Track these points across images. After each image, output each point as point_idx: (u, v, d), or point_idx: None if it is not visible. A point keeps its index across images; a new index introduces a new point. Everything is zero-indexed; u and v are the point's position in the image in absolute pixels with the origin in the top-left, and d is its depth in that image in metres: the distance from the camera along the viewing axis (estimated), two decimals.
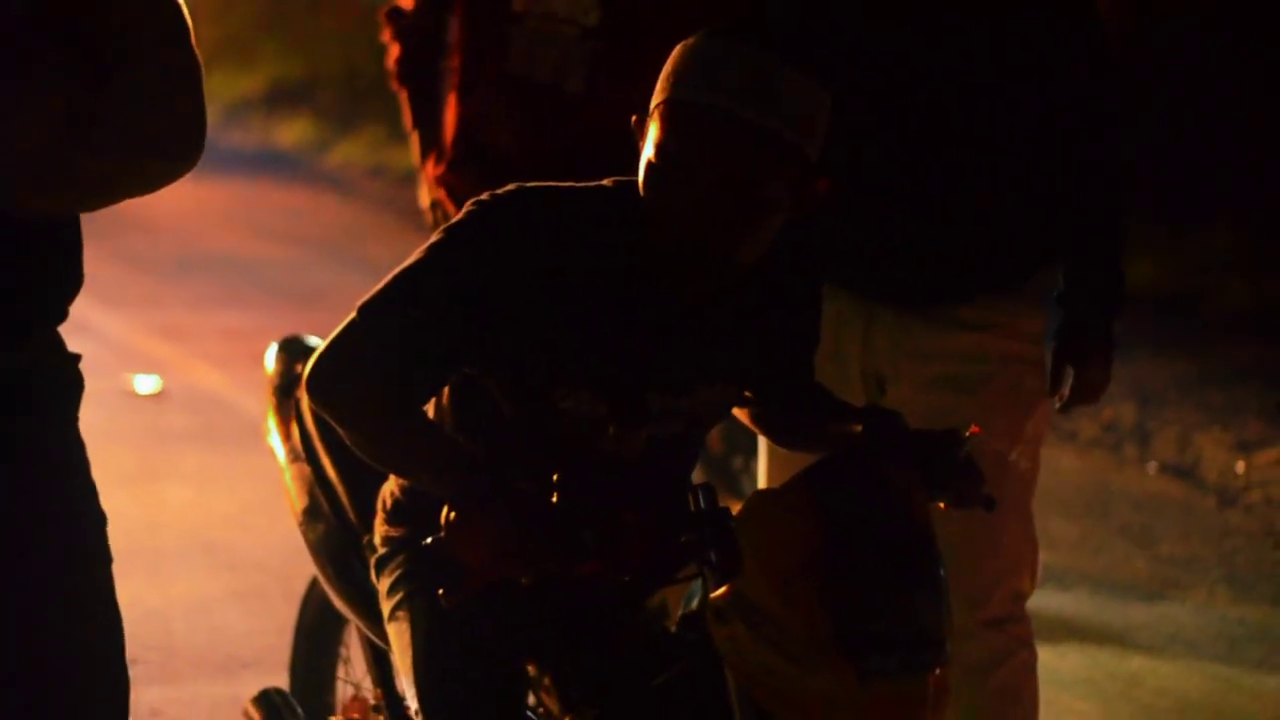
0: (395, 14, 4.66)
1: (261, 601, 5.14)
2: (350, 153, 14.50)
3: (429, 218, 4.66)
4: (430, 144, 4.55)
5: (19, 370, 2.39)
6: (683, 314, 2.56)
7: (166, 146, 2.35)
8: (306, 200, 12.99)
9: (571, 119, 4.25)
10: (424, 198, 4.70)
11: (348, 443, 2.58)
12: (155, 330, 8.52)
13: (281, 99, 16.50)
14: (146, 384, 7.40)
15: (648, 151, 2.46)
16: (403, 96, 4.66)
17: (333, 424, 2.58)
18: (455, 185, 4.38)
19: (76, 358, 2.49)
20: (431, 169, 4.52)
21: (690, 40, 2.48)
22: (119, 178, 2.35)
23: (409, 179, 12.43)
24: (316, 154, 14.81)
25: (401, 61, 4.63)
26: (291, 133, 15.63)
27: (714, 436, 5.74)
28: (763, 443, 3.54)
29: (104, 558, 2.51)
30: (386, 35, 4.69)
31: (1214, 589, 5.71)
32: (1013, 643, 3.45)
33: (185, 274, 10.04)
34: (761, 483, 3.56)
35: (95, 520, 2.50)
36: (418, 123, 4.61)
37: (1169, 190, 9.28)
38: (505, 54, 4.30)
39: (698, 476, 2.76)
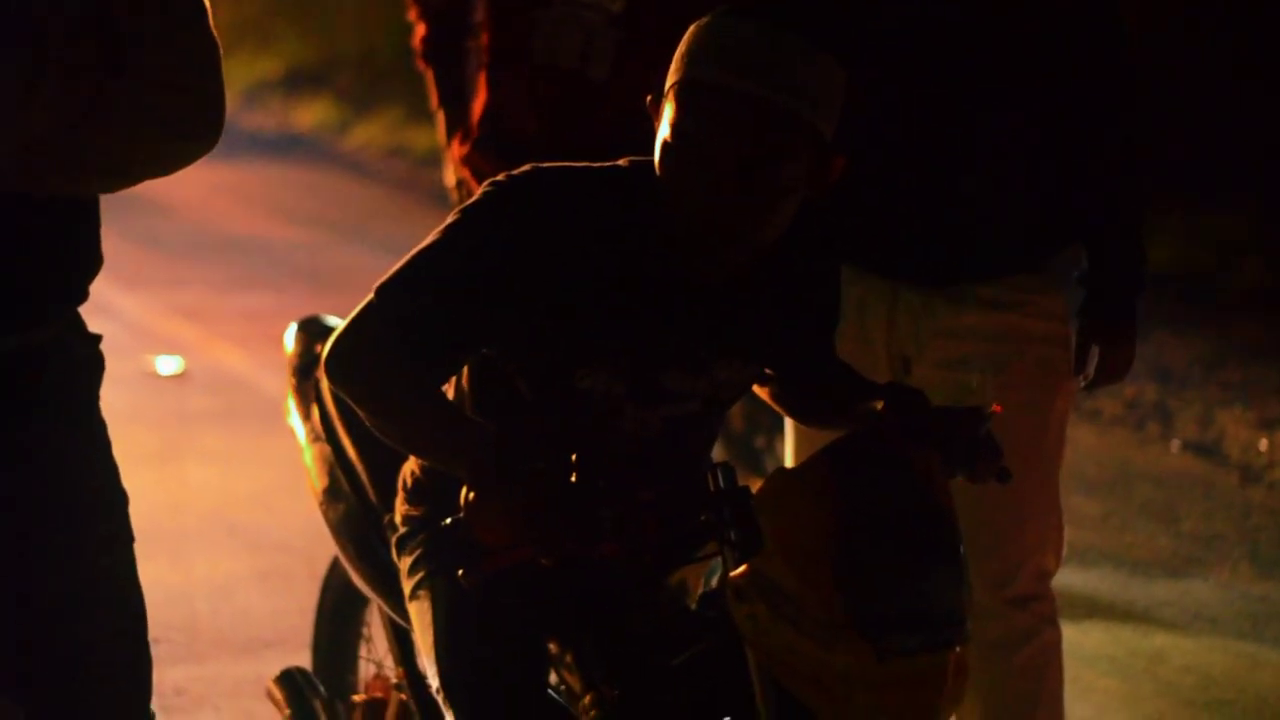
0: None
1: (284, 581, 5.15)
2: (369, 134, 14.50)
3: (454, 196, 4.67)
4: (456, 124, 4.55)
5: (40, 350, 2.40)
6: (700, 293, 2.56)
7: (185, 127, 2.35)
8: (326, 182, 12.99)
9: (596, 105, 4.25)
10: (449, 177, 4.70)
11: (366, 423, 2.58)
12: (176, 311, 8.54)
13: (300, 81, 16.51)
14: (168, 365, 7.42)
15: (663, 131, 2.46)
16: (429, 76, 4.66)
17: (351, 404, 2.58)
18: (480, 165, 4.39)
19: (97, 338, 2.50)
20: (457, 148, 4.52)
21: (704, 19, 2.47)
22: (138, 159, 2.35)
23: (428, 160, 12.44)
24: (336, 136, 14.81)
25: (427, 40, 4.63)
26: (311, 115, 15.63)
27: (735, 415, 5.74)
28: (789, 421, 3.54)
29: (126, 537, 2.52)
30: (413, 14, 4.69)
31: (1237, 566, 5.70)
32: (1037, 621, 3.44)
33: (206, 255, 10.06)
34: (789, 461, 3.56)
35: (117, 499, 2.51)
36: (443, 102, 4.61)
37: (1186, 169, 9.25)
38: (530, 38, 4.30)
39: (719, 455, 2.76)
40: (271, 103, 16.24)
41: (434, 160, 12.09)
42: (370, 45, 15.99)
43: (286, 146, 14.48)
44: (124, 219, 9.29)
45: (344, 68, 16.26)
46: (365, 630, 3.51)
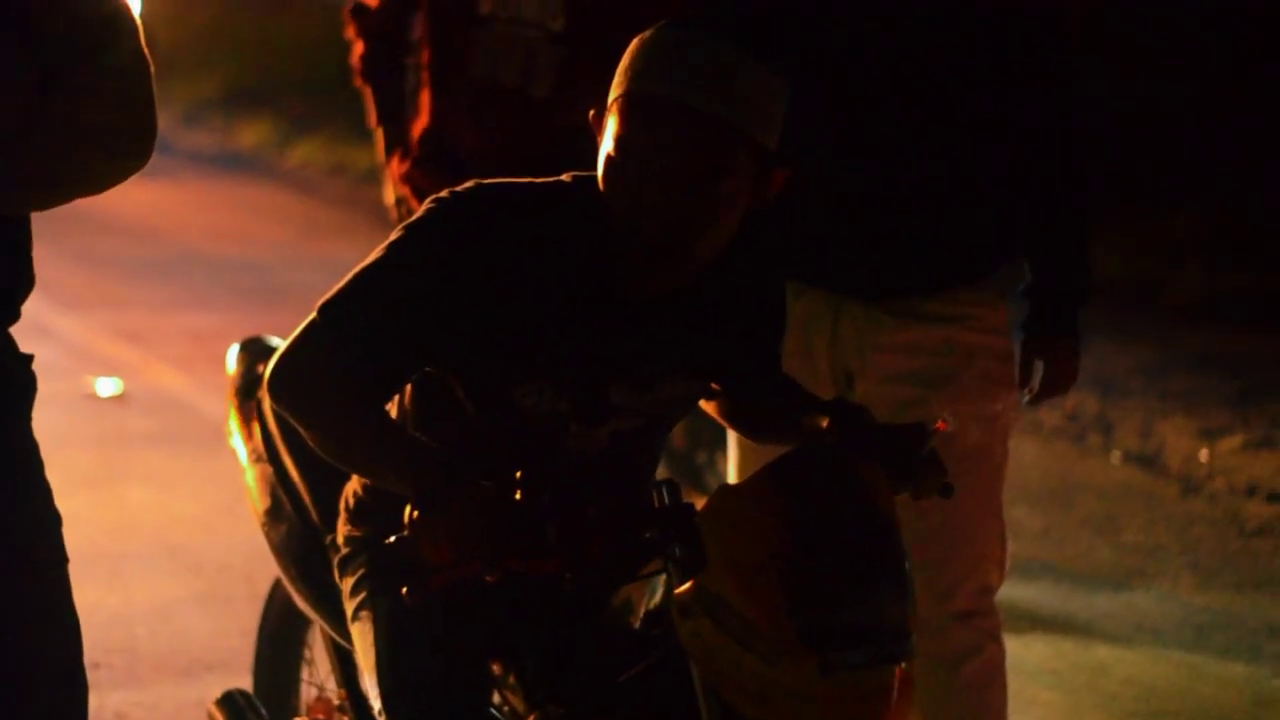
0: (359, 11, 4.65)
1: (225, 604, 5.12)
2: (310, 152, 14.47)
3: (394, 214, 4.66)
4: (395, 141, 4.54)
5: None
6: (644, 308, 2.56)
7: (116, 145, 2.34)
8: (267, 200, 12.95)
9: (537, 122, 4.25)
10: (389, 194, 4.69)
11: (309, 443, 2.57)
12: (116, 332, 8.49)
13: (241, 100, 16.46)
14: (107, 386, 7.37)
15: (606, 145, 2.45)
16: (367, 93, 4.66)
17: (294, 424, 2.56)
18: (420, 183, 4.38)
19: (29, 358, 2.47)
20: (396, 166, 4.52)
21: (646, 34, 2.47)
22: (68, 176, 2.34)
23: (369, 177, 12.41)
24: (276, 154, 14.78)
25: (365, 58, 4.62)
26: (251, 133, 15.59)
27: (678, 432, 5.73)
28: (732, 437, 3.54)
29: (59, 559, 2.49)
30: (350, 32, 4.68)
31: (1178, 577, 5.73)
32: (981, 636, 3.45)
33: (146, 275, 10.01)
34: (731, 477, 3.56)
35: (50, 521, 2.49)
36: (382, 120, 4.60)
37: (1128, 178, 9.31)
38: (471, 57, 4.30)
39: (661, 472, 2.75)
40: (212, 121, 16.20)
41: (375, 178, 12.07)
42: (310, 63, 15.97)
43: (227, 165, 14.44)
44: (63, 238, 9.25)
45: (284, 86, 16.22)
46: (307, 652, 3.49)
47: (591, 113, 2.51)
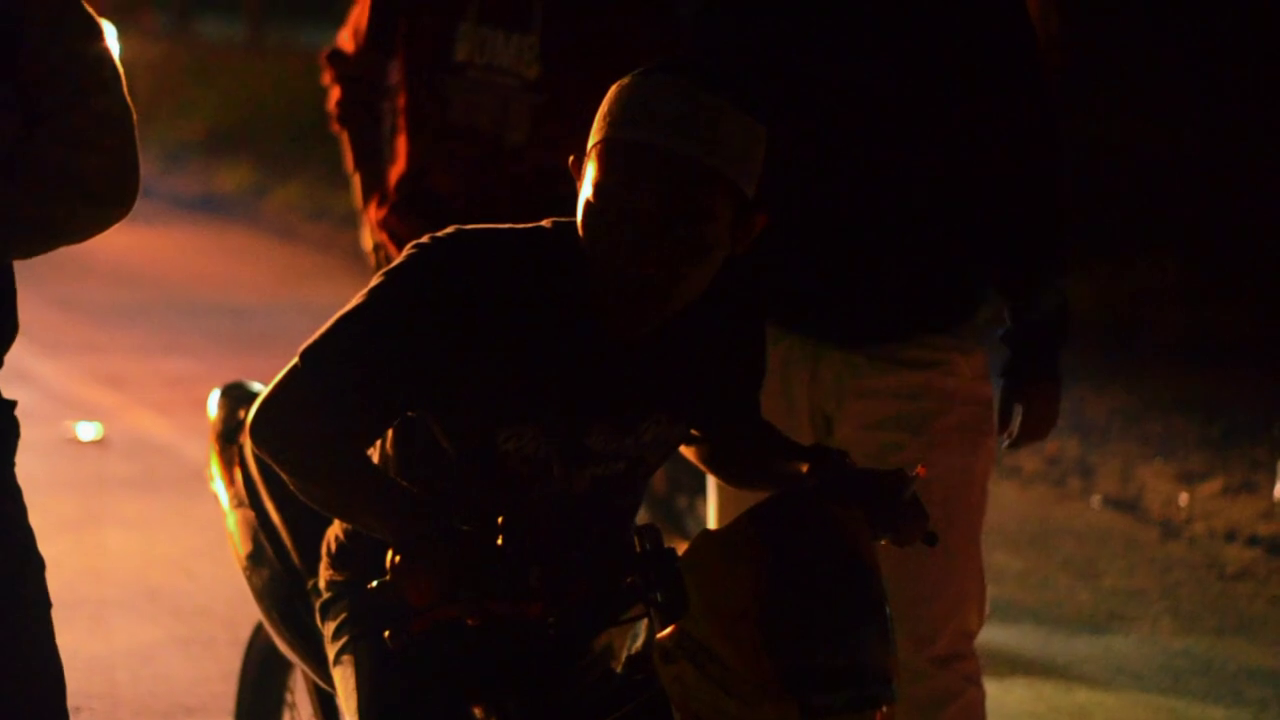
0: (336, 57, 4.66)
1: (206, 648, 5.10)
2: (290, 197, 14.47)
3: (371, 260, 4.66)
4: (372, 187, 4.55)
5: None
6: (625, 353, 2.57)
7: (99, 192, 2.34)
8: (247, 244, 12.94)
9: (513, 169, 4.27)
10: (366, 240, 4.70)
11: (291, 487, 2.57)
12: (96, 377, 8.47)
13: (221, 144, 16.46)
14: (87, 431, 7.36)
15: (585, 191, 2.47)
16: (344, 139, 4.66)
17: (276, 469, 2.57)
18: (398, 229, 4.39)
19: (11, 404, 2.47)
20: (374, 212, 4.52)
21: (625, 80, 2.49)
22: (52, 224, 2.34)
23: (349, 222, 12.39)
24: (256, 198, 14.77)
25: (342, 104, 4.63)
26: (231, 177, 15.59)
27: (658, 476, 5.72)
28: (712, 482, 3.54)
29: (42, 602, 2.49)
30: (327, 78, 4.70)
31: (1158, 621, 5.73)
32: (961, 680, 3.45)
33: (126, 320, 9.99)
34: (711, 522, 3.57)
35: (32, 565, 2.49)
36: (359, 165, 4.61)
37: (1107, 221, 9.35)
38: (446, 103, 4.32)
39: (642, 517, 2.76)
40: (191, 166, 16.19)
41: (354, 222, 12.03)
42: (289, 108, 15.98)
43: (207, 209, 14.43)
44: (43, 283, 9.23)
45: (264, 131, 16.23)
46: (289, 696, 3.49)
47: (571, 158, 2.53)
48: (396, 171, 4.47)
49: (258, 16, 19.96)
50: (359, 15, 4.59)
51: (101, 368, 8.68)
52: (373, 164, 4.57)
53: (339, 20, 4.72)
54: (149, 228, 12.10)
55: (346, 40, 4.63)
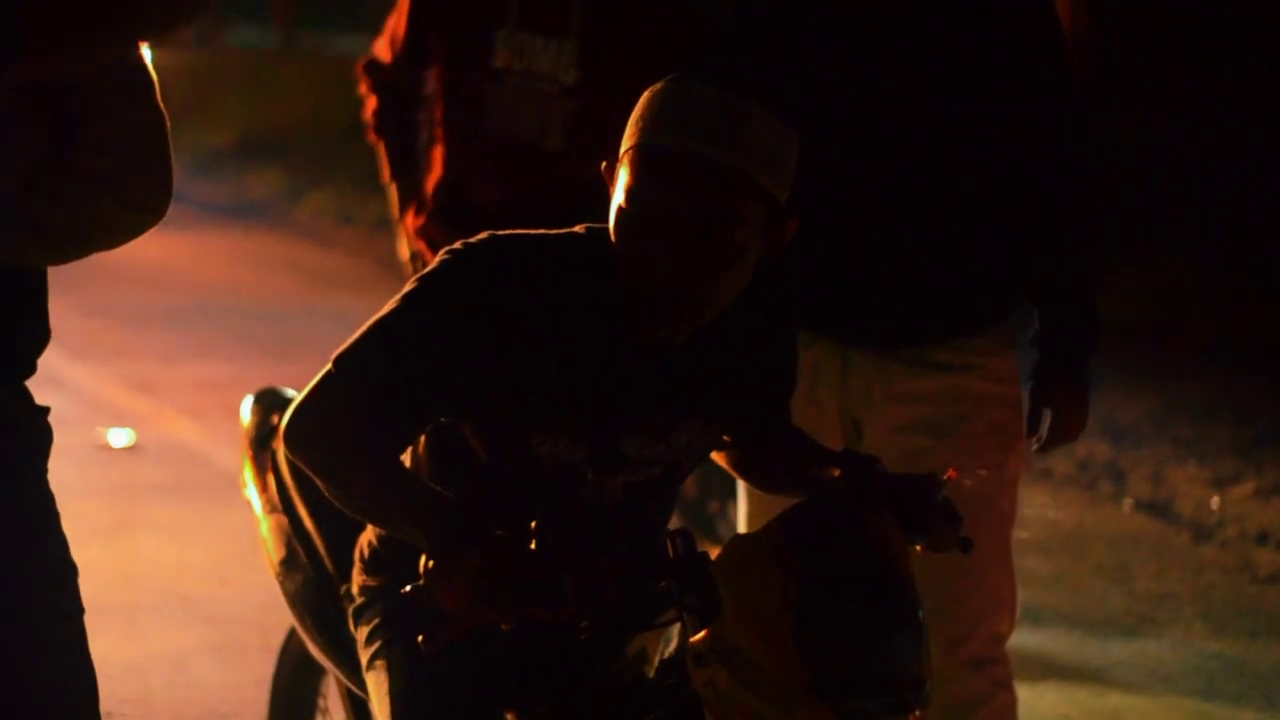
0: (372, 66, 4.67)
1: (239, 654, 5.11)
2: (320, 203, 14.51)
3: (408, 269, 4.67)
4: (409, 196, 4.56)
5: None
6: (658, 358, 2.57)
7: (133, 199, 2.35)
8: (278, 250, 12.98)
9: (550, 176, 4.27)
10: (403, 250, 4.71)
11: (325, 494, 2.58)
12: (128, 383, 8.50)
13: (252, 150, 16.52)
14: (120, 437, 7.38)
15: (618, 197, 2.47)
16: (380, 148, 4.67)
17: (310, 474, 2.57)
18: (435, 236, 4.40)
19: (45, 410, 2.48)
20: (411, 220, 4.53)
21: (657, 86, 2.49)
22: (86, 231, 2.35)
23: (379, 228, 12.43)
24: (288, 204, 14.82)
25: (379, 114, 4.64)
26: (263, 183, 15.64)
27: (689, 481, 5.72)
28: (742, 487, 3.54)
29: (76, 610, 2.50)
30: (364, 88, 4.71)
31: (1190, 625, 5.72)
32: (992, 684, 3.44)
33: (157, 325, 10.02)
34: (741, 527, 3.57)
35: (66, 572, 2.49)
36: (395, 175, 4.62)
37: (1137, 224, 9.33)
38: (484, 110, 4.33)
39: (674, 522, 2.76)
40: (224, 172, 16.25)
41: (385, 228, 12.09)
42: (321, 114, 16.02)
43: (239, 215, 14.48)
44: (75, 289, 9.27)
45: (295, 137, 16.28)
46: (322, 702, 3.49)
47: (604, 165, 2.53)
48: (433, 179, 4.48)
49: (288, 24, 20.03)
50: (396, 24, 4.60)
51: (133, 373, 8.71)
52: (409, 173, 4.58)
53: (368, 27, 4.74)
54: (180, 234, 12.14)
55: (383, 49, 4.64)
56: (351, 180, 14.12)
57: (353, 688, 2.98)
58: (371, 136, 4.69)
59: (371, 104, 4.67)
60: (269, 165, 15.96)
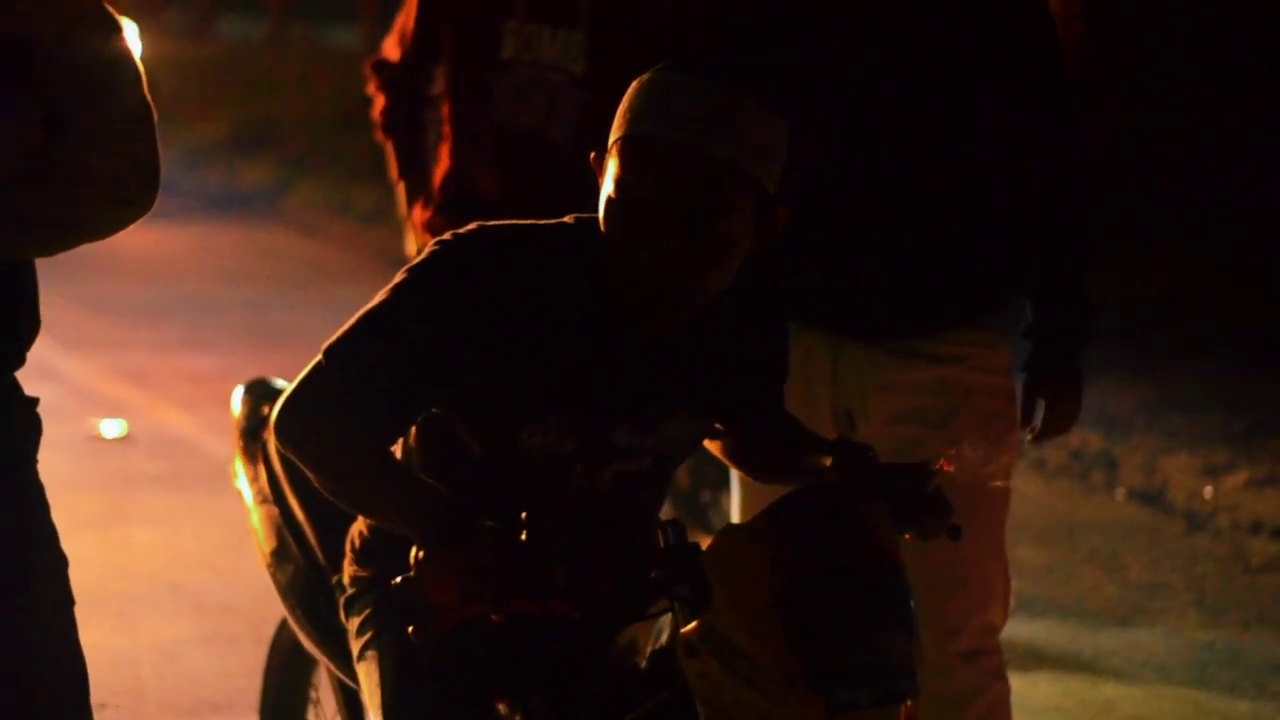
0: (381, 65, 4.68)
1: (230, 644, 5.12)
2: (312, 193, 14.49)
3: None
4: (418, 191, 4.56)
5: None
6: (648, 348, 2.57)
7: (121, 191, 2.35)
8: (270, 241, 12.97)
9: (557, 166, 4.27)
10: (411, 245, 4.71)
11: (315, 484, 2.58)
12: (120, 374, 8.49)
13: (244, 141, 16.50)
14: (112, 428, 7.38)
15: (607, 187, 2.47)
16: (389, 147, 4.68)
17: (300, 466, 2.57)
18: (442, 230, 4.38)
19: (34, 401, 2.48)
20: (419, 214, 4.53)
21: (646, 75, 2.49)
22: (74, 222, 2.35)
23: (372, 219, 12.42)
24: (279, 195, 14.80)
25: (388, 112, 4.65)
26: (254, 174, 15.62)
27: (681, 471, 5.73)
28: (735, 476, 3.54)
29: (65, 600, 2.50)
30: (372, 86, 4.71)
31: (1183, 614, 5.72)
32: (986, 675, 3.45)
33: (149, 316, 10.01)
34: (735, 516, 3.57)
35: (57, 563, 2.49)
36: (404, 173, 4.63)
37: (1130, 213, 9.33)
38: (492, 101, 4.33)
39: (666, 512, 2.76)
40: (215, 162, 16.23)
41: (378, 219, 12.07)
42: (312, 105, 16.02)
43: (230, 205, 14.46)
44: (66, 280, 9.24)
45: (286, 127, 16.27)
46: (313, 693, 3.49)
47: (593, 155, 2.53)
48: (441, 172, 4.48)
49: (280, 15, 20.00)
50: (405, 21, 4.60)
51: (124, 364, 8.70)
52: (417, 171, 4.58)
53: (359, 19, 4.73)
54: (171, 224, 12.12)
55: (391, 48, 4.65)
56: (344, 172, 14.11)
57: (344, 679, 2.98)
58: (380, 135, 4.69)
59: (380, 102, 4.67)
60: (261, 157, 15.94)
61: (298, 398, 2.53)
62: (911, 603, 2.38)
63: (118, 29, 2.38)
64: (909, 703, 2.33)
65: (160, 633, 5.23)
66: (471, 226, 2.55)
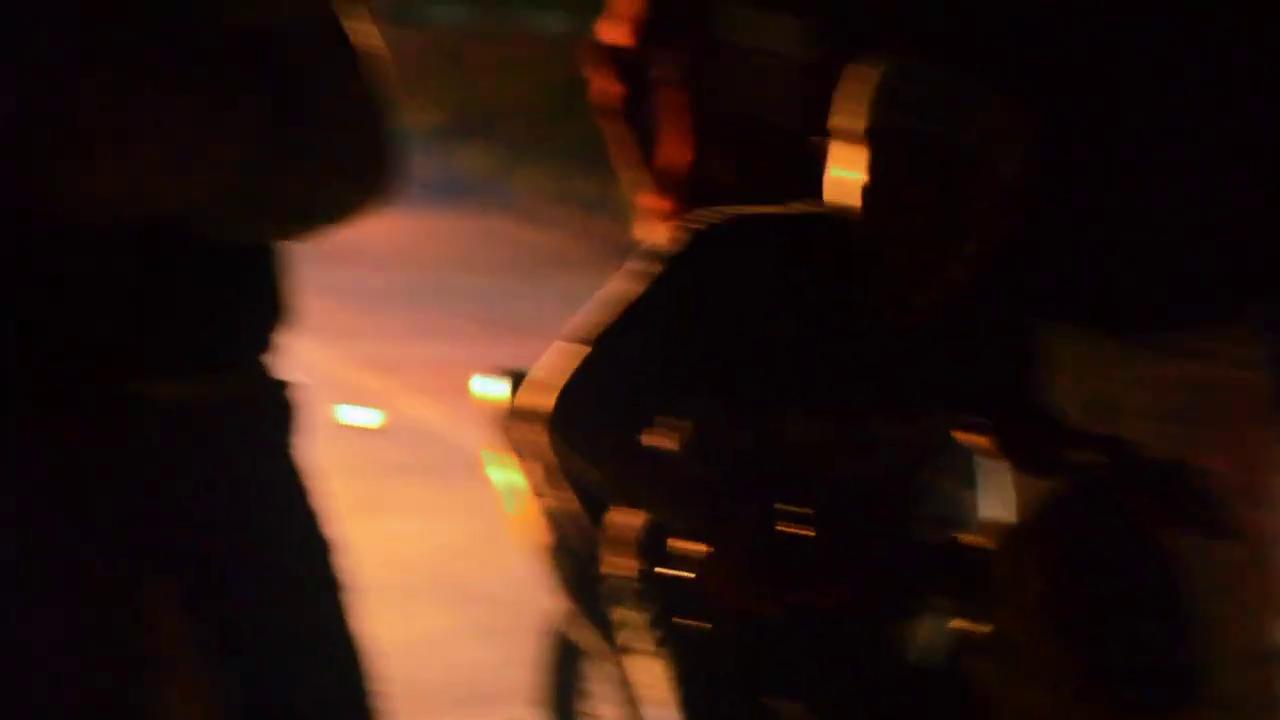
0: (601, 50, 4.69)
1: (495, 635, 5.12)
2: (535, 180, 14.56)
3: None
4: (644, 178, 4.58)
5: (229, 397, 2.41)
6: (898, 339, 2.57)
7: (360, 174, 2.38)
8: (495, 228, 13.05)
9: (785, 153, 4.26)
10: (640, 231, 4.72)
11: (591, 476, 2.61)
12: (360, 361, 8.59)
13: (464, 127, 16.63)
14: (362, 417, 7.46)
15: (849, 176, 2.49)
16: (613, 132, 4.69)
17: (579, 459, 2.60)
18: (671, 216, 4.41)
19: (289, 385, 2.50)
20: (647, 201, 4.55)
21: (884, 67, 2.51)
22: (315, 204, 2.37)
23: (595, 206, 12.45)
24: (502, 182, 14.89)
25: (610, 97, 4.66)
26: (476, 160, 15.74)
27: (940, 466, 5.66)
28: (998, 471, 3.51)
29: (332, 583, 2.53)
30: (592, 71, 4.73)
31: None
32: (1264, 679, 3.37)
33: (382, 304, 10.11)
34: (1001, 513, 3.53)
35: (319, 547, 2.53)
36: (628, 158, 4.64)
37: None
38: (717, 89, 4.34)
39: (931, 507, 2.75)
40: (437, 149, 16.38)
41: (602, 207, 12.10)
42: (533, 90, 16.09)
43: (452, 192, 14.56)
44: (301, 268, 9.41)
45: (507, 113, 16.36)
46: (588, 686, 3.51)
47: (814, 140, 2.55)
48: (667, 159, 4.49)
49: (487, 1, 20.10)
50: (628, 5, 4.61)
51: (366, 352, 8.80)
52: (642, 156, 4.59)
53: (562, 5, 4.74)
54: (399, 212, 12.27)
55: (612, 32, 4.66)
56: (563, 158, 14.14)
57: (619, 671, 3.00)
58: (604, 120, 4.71)
59: (602, 87, 4.69)
60: (479, 143, 16.05)
61: (573, 390, 2.56)
62: (1193, 604, 2.34)
63: (351, 14, 2.41)
64: (1196, 707, 2.30)
65: (425, 623, 5.27)
66: (720, 212, 2.57)
